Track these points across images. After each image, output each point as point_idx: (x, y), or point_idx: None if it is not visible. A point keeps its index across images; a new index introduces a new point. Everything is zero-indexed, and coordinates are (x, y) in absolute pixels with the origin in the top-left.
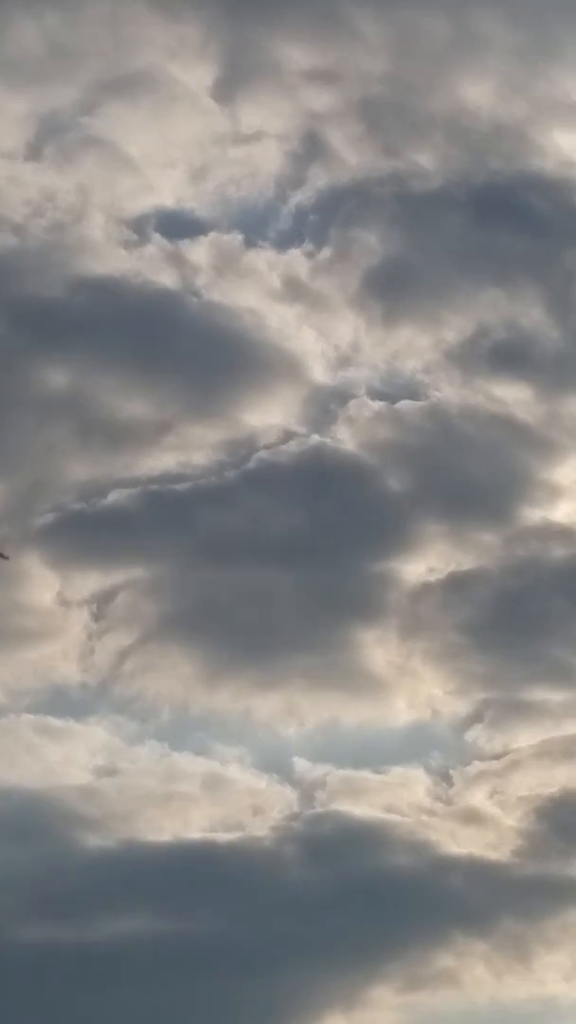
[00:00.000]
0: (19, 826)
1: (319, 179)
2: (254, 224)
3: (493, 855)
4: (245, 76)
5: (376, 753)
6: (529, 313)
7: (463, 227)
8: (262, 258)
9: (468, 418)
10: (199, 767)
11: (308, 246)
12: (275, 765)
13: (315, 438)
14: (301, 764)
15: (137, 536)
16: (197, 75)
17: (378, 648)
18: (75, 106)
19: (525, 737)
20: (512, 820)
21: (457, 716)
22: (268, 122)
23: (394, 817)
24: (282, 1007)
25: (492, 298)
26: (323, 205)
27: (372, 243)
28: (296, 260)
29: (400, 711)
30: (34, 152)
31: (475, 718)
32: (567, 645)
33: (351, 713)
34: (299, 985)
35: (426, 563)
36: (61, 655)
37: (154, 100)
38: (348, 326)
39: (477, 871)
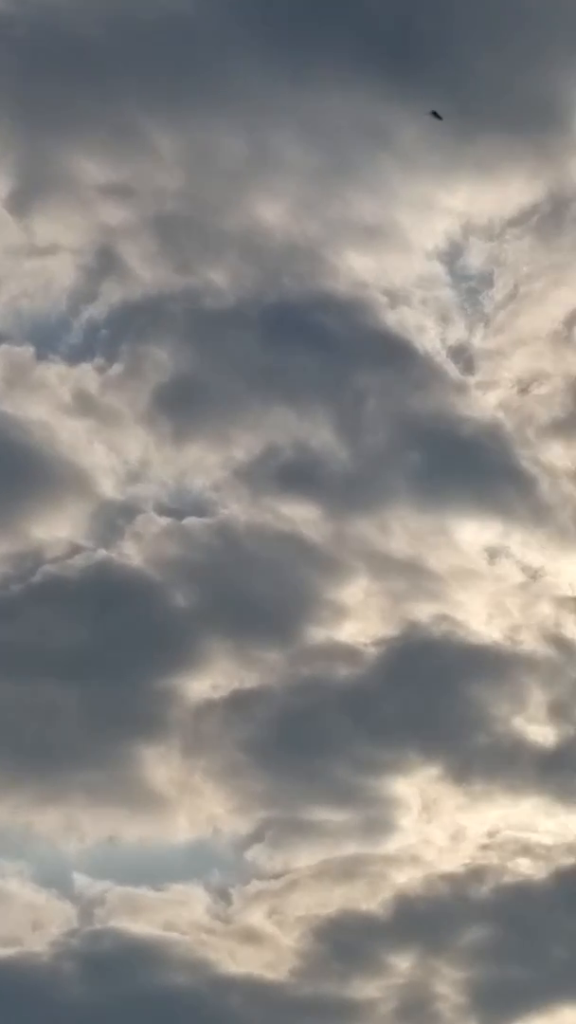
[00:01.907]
0: None
1: (112, 294)
2: (46, 337)
3: (271, 975)
4: (40, 189)
5: (156, 870)
6: (318, 433)
7: (255, 346)
8: (53, 371)
9: (255, 536)
10: None
11: (99, 360)
12: (55, 880)
13: (102, 552)
14: (81, 880)
15: None
16: None
17: (160, 765)
18: None
19: (305, 857)
20: (290, 940)
21: (237, 834)
22: (62, 235)
23: (173, 935)
24: None
25: (282, 417)
26: (115, 320)
27: (163, 359)
28: (87, 374)
29: (181, 828)
30: None
31: (255, 837)
32: (349, 765)
33: (132, 829)
34: None
35: (210, 680)
36: None
37: None
38: (138, 442)
39: (255, 991)
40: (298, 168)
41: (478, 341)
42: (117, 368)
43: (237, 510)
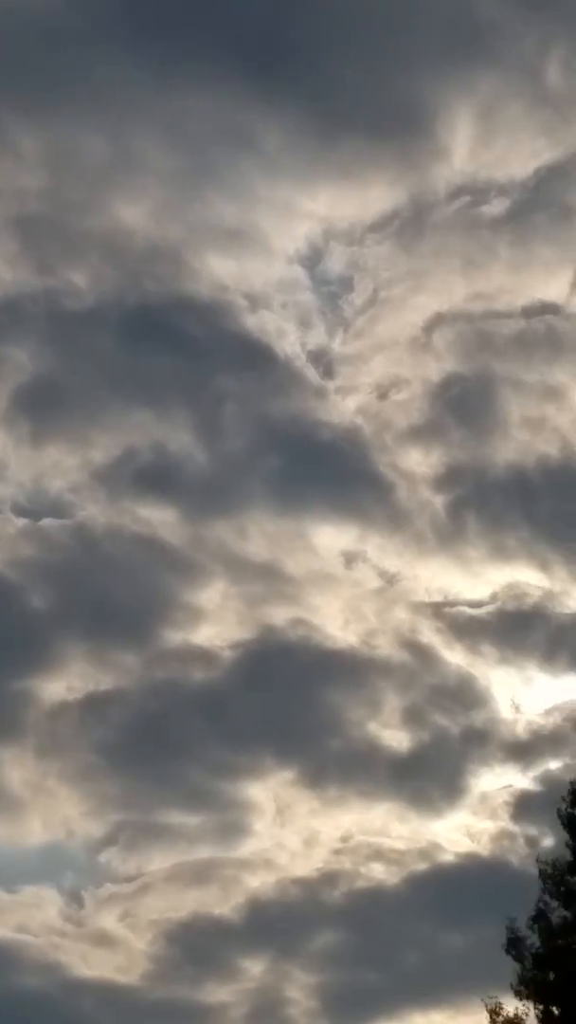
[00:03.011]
0: None
1: None
2: None
3: (123, 978)
4: None
5: (9, 872)
6: (177, 436)
7: (114, 347)
8: None
9: (113, 538)
10: None
11: None
12: None
13: None
14: None
15: None
16: None
17: (14, 767)
18: None
19: (158, 860)
20: (143, 943)
21: (91, 837)
22: None
23: (25, 937)
24: None
25: (141, 419)
26: None
27: (23, 360)
28: None
29: (34, 831)
30: None
31: (109, 840)
32: (203, 769)
33: None
34: None
35: (65, 682)
36: None
37: None
38: None
39: (107, 994)
40: (160, 170)
41: (338, 346)
42: None
43: (95, 512)
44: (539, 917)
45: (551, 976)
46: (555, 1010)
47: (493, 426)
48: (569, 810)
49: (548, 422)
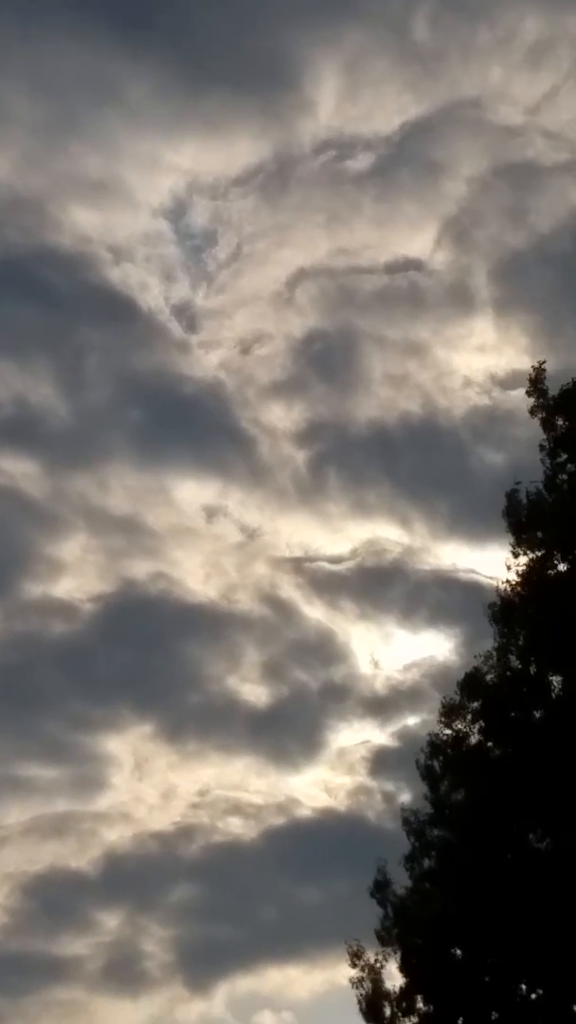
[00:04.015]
0: None
1: None
2: None
3: None
4: None
5: None
6: (39, 388)
7: None
8: None
9: None
10: None
11: None
12: None
13: None
14: None
15: None
16: None
17: None
18: None
19: (15, 813)
20: None
21: None
22: None
23: None
24: None
25: (2, 371)
26: None
27: None
28: None
29: None
30: None
31: None
32: (61, 722)
33: None
34: None
35: None
36: None
37: None
38: None
39: None
40: (24, 121)
41: (201, 300)
42: None
43: None
44: (411, 859)
45: (414, 922)
46: (415, 957)
47: (355, 382)
48: (427, 762)
49: (410, 379)
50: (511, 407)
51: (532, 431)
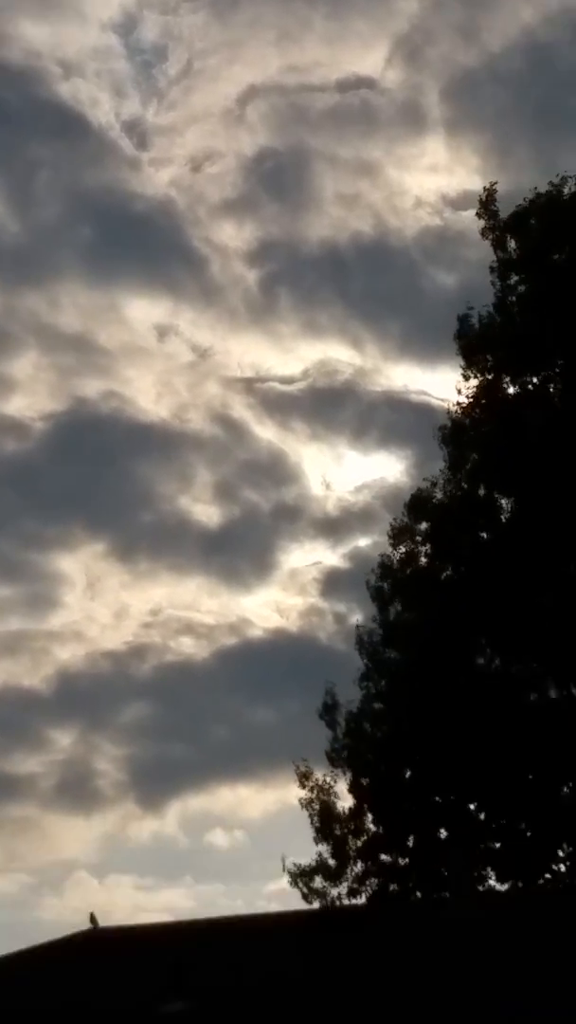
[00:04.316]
0: None
1: None
2: None
3: None
4: None
5: None
6: None
7: None
8: None
9: None
10: None
11: None
12: None
13: None
14: None
15: None
16: None
17: None
18: None
19: None
20: None
21: None
22: None
23: None
24: None
25: None
26: None
27: None
28: None
29: None
30: None
31: None
32: (13, 540)
33: None
34: None
35: None
36: None
37: None
38: None
39: None
40: None
41: (151, 117)
42: None
43: None
44: (365, 678)
45: (364, 742)
46: (364, 781)
47: (307, 202)
48: (377, 584)
49: (362, 199)
50: (462, 228)
51: (484, 252)
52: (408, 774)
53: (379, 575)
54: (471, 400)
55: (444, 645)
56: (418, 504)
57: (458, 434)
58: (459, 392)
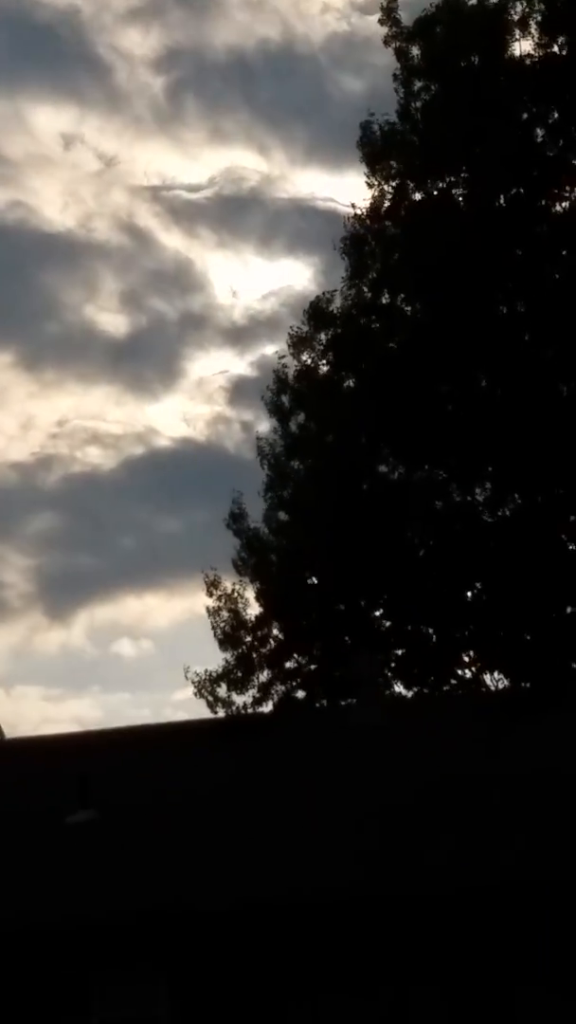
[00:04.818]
0: None
1: None
2: None
3: None
4: None
5: None
6: None
7: None
8: None
9: None
10: None
11: None
12: None
13: None
14: None
15: None
16: None
17: None
18: None
19: None
20: None
21: None
22: None
23: None
24: None
25: None
26: None
27: None
28: None
29: None
30: None
31: None
32: None
33: None
34: None
35: None
36: None
37: None
38: None
39: None
40: None
41: None
42: None
43: None
44: (269, 489)
45: (269, 554)
46: (270, 586)
47: (213, 7)
48: (274, 398)
49: (268, 3)
50: (370, 34)
51: (392, 58)
52: (313, 582)
53: (276, 389)
54: (373, 207)
55: (347, 454)
56: (318, 313)
57: (359, 243)
58: (352, 205)
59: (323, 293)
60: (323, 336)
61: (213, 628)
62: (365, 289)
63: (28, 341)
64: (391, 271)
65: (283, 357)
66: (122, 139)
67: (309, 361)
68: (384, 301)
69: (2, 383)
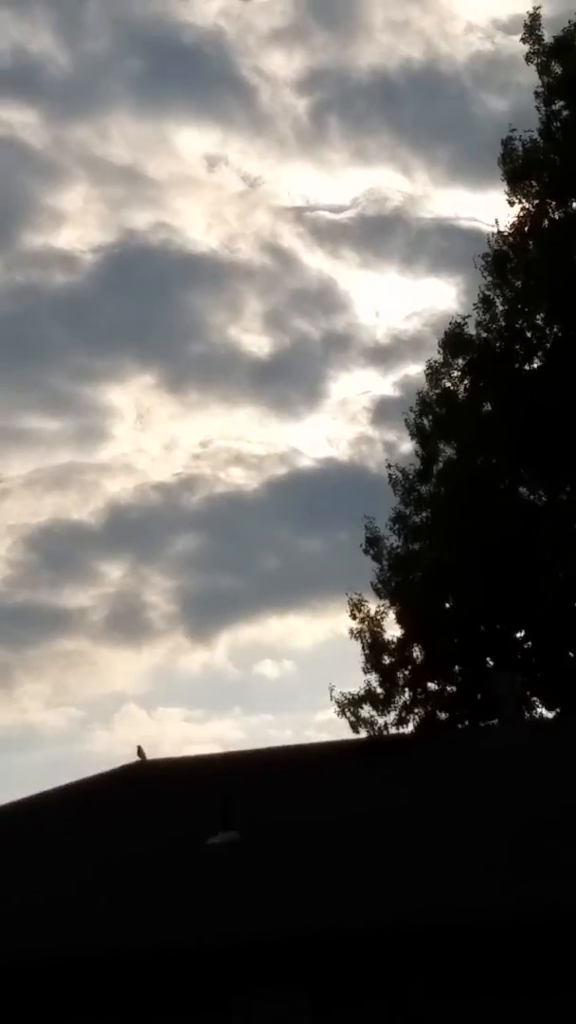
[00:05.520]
0: None
1: None
2: None
3: None
4: None
5: None
6: (38, 37)
7: None
8: None
9: None
10: None
11: None
12: None
13: None
14: None
15: None
16: None
17: None
18: None
19: (17, 466)
20: (2, 549)
21: None
22: None
23: None
24: None
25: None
26: None
27: None
28: None
29: None
30: None
31: None
32: (63, 374)
33: None
34: None
35: None
36: None
37: None
38: None
39: None
40: None
41: None
42: None
43: None
44: (398, 519)
45: (408, 577)
46: (411, 608)
47: (356, 29)
48: (417, 420)
49: (412, 24)
50: (514, 52)
51: (535, 76)
52: (451, 605)
53: (419, 411)
54: (515, 226)
55: (486, 476)
56: (452, 339)
57: (501, 262)
58: (496, 221)
59: (456, 318)
60: (460, 361)
61: (361, 648)
62: (500, 308)
63: (172, 362)
64: (530, 291)
65: (421, 391)
66: (265, 160)
67: (449, 385)
68: (520, 323)
69: (146, 404)
